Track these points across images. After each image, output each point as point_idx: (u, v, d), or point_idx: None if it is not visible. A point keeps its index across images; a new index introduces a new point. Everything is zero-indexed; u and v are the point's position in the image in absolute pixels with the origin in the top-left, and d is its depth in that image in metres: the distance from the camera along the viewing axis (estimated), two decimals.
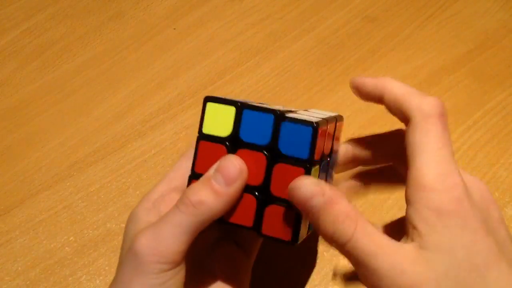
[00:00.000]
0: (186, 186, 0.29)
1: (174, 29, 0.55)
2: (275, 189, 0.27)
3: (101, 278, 0.40)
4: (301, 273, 0.39)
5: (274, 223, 0.27)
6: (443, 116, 0.26)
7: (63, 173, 0.46)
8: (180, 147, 0.46)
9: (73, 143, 0.47)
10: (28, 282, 0.40)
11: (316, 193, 0.25)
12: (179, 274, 0.27)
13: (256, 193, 0.27)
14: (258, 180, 0.27)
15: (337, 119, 0.31)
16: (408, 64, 0.51)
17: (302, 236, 0.27)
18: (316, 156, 0.27)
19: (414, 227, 0.25)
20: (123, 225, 0.42)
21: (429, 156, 0.25)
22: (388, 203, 0.41)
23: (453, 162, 0.25)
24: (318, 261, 0.39)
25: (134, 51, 0.54)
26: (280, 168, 0.27)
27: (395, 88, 0.28)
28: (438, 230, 0.24)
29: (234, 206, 0.28)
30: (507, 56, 0.51)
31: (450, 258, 0.23)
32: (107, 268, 0.40)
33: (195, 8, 0.57)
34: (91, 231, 0.42)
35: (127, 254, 0.27)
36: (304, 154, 0.26)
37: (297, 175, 0.26)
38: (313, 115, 0.29)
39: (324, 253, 0.39)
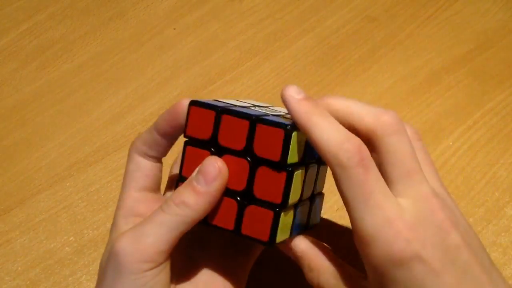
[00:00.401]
0: (167, 189, 0.30)
1: (174, 29, 0.55)
2: (258, 191, 0.27)
3: None
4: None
5: (253, 224, 0.28)
6: (362, 160, 0.25)
7: (63, 173, 0.46)
8: (180, 147, 0.46)
9: (73, 143, 0.47)
10: (28, 282, 0.40)
11: (290, 249, 0.29)
12: (162, 274, 0.27)
13: (238, 198, 0.28)
14: (241, 185, 0.28)
15: None
16: (408, 64, 0.51)
17: (280, 239, 0.28)
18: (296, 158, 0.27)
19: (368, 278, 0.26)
20: None
21: (361, 210, 0.25)
22: None
23: (390, 208, 0.25)
24: None
25: (134, 51, 0.54)
26: (262, 171, 0.27)
27: (315, 132, 0.26)
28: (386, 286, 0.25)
29: (216, 209, 0.28)
30: (507, 56, 0.51)
31: None
32: None
33: (195, 8, 0.57)
34: (91, 231, 0.42)
35: (108, 260, 0.27)
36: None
37: (279, 177, 0.26)
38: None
39: None
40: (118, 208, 0.31)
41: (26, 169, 0.46)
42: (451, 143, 0.45)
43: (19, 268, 0.40)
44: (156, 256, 0.26)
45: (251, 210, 0.28)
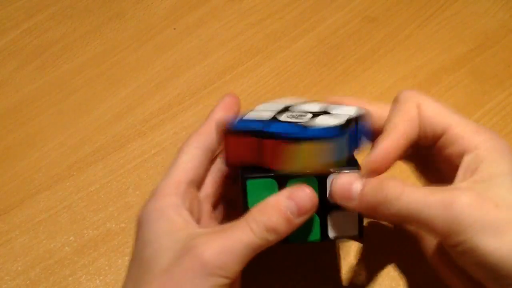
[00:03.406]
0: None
1: (174, 29, 0.55)
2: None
3: (101, 278, 0.40)
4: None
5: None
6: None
7: (63, 173, 0.46)
8: (180, 147, 0.46)
9: (73, 143, 0.47)
10: (28, 282, 0.40)
11: (349, 185, 0.28)
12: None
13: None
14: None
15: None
16: (408, 64, 0.51)
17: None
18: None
19: (473, 170, 0.27)
20: (123, 225, 0.42)
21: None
22: None
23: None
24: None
25: (134, 51, 0.54)
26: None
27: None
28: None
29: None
30: (507, 56, 0.51)
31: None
32: (107, 268, 0.40)
33: (195, 8, 0.57)
34: (91, 231, 0.42)
35: (185, 256, 0.26)
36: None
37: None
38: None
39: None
40: (158, 194, 0.31)
41: (26, 169, 0.46)
42: None
43: (19, 268, 0.40)
44: (236, 274, 0.27)
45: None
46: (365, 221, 0.33)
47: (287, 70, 0.51)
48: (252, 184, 0.29)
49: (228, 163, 0.30)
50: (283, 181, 0.29)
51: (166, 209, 0.29)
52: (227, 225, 0.28)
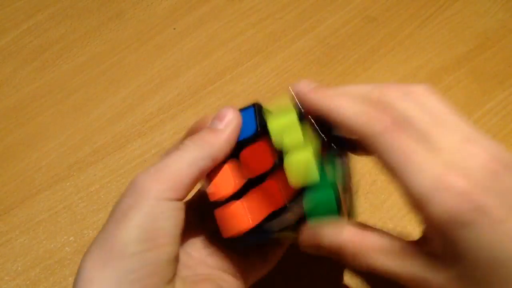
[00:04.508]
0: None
1: (174, 29, 0.55)
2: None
3: None
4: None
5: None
6: (395, 124, 0.25)
7: (63, 173, 0.46)
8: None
9: (73, 143, 0.47)
10: (28, 282, 0.40)
11: (323, 245, 0.27)
12: (181, 212, 0.26)
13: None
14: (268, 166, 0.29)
15: None
16: (408, 64, 0.51)
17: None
18: None
19: (428, 239, 0.24)
20: None
21: (407, 173, 0.24)
22: (388, 203, 0.41)
23: (435, 161, 0.23)
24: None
25: (134, 51, 0.54)
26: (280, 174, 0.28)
27: (339, 112, 0.27)
28: (453, 243, 0.23)
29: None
30: (507, 56, 0.51)
31: (467, 263, 0.22)
32: None
33: (195, 8, 0.57)
34: (91, 231, 0.42)
35: (126, 190, 0.26)
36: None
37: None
38: None
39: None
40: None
41: (26, 169, 0.46)
42: None
43: (19, 268, 0.40)
44: (177, 185, 0.26)
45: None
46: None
47: (287, 70, 0.51)
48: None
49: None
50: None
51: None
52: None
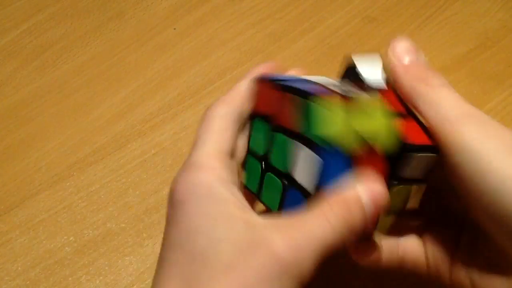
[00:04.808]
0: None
1: (174, 29, 0.55)
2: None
3: (101, 278, 0.40)
4: None
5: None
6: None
7: (63, 173, 0.46)
8: (180, 147, 0.46)
9: (73, 143, 0.47)
10: (28, 282, 0.40)
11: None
12: None
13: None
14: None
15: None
16: None
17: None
18: None
19: None
20: (123, 225, 0.42)
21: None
22: None
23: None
24: None
25: (134, 51, 0.54)
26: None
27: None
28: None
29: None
30: (507, 56, 0.51)
31: None
32: (107, 268, 0.40)
33: (195, 8, 0.57)
34: (91, 231, 0.42)
35: (254, 251, 0.22)
36: None
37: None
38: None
39: None
40: (196, 165, 0.25)
41: (26, 169, 0.46)
42: None
43: (19, 268, 0.40)
44: (308, 276, 0.23)
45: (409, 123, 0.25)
46: None
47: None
48: (257, 125, 0.28)
49: (252, 112, 0.28)
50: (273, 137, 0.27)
51: (214, 185, 0.24)
52: (298, 215, 0.24)
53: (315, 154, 0.24)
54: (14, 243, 0.42)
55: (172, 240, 0.24)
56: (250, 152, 0.30)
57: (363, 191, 0.24)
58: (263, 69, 0.30)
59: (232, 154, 0.27)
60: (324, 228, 0.23)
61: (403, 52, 0.27)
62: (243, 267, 0.22)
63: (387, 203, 0.24)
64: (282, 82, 0.27)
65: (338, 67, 0.53)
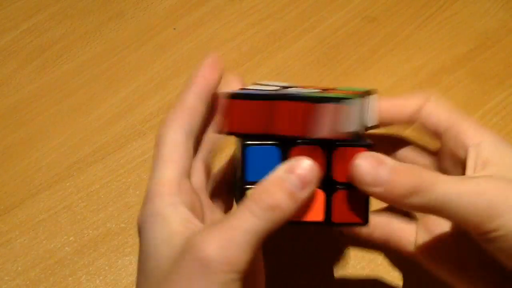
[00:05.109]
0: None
1: (174, 29, 0.55)
2: (338, 175, 0.27)
3: (101, 278, 0.40)
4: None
5: (343, 209, 0.27)
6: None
7: (63, 173, 0.46)
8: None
9: (73, 143, 0.47)
10: (28, 282, 0.40)
11: (376, 166, 0.25)
12: (242, 283, 0.24)
13: (323, 186, 0.27)
14: (320, 173, 0.26)
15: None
16: (408, 64, 0.51)
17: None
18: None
19: (485, 161, 0.27)
20: (123, 225, 0.42)
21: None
22: None
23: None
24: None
25: (134, 51, 0.54)
26: (340, 153, 0.27)
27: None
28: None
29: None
30: (507, 56, 0.51)
31: None
32: (107, 268, 0.40)
33: (195, 8, 0.57)
34: (91, 231, 0.42)
35: (184, 259, 0.24)
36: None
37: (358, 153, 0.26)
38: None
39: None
40: (153, 193, 0.27)
41: (26, 169, 0.46)
42: None
43: (19, 268, 0.40)
44: (246, 265, 0.24)
45: (339, 197, 0.27)
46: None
47: (287, 70, 0.51)
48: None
49: (228, 131, 0.27)
50: (286, 150, 0.27)
51: (162, 211, 0.26)
52: (225, 216, 0.26)
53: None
54: (14, 243, 0.42)
55: (138, 266, 0.27)
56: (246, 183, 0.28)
57: (282, 170, 0.25)
58: (207, 72, 0.31)
59: (187, 171, 0.28)
60: (248, 218, 0.24)
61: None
62: (176, 278, 0.24)
63: (316, 170, 0.26)
64: (263, 93, 0.27)
65: (338, 67, 0.53)
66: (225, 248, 0.23)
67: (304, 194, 0.25)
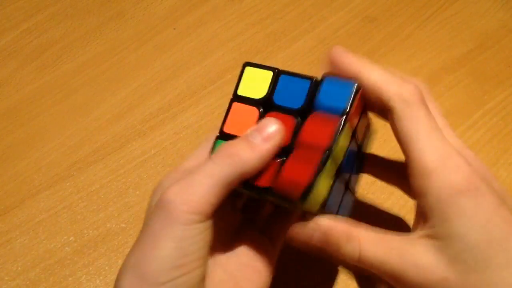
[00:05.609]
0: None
1: (174, 29, 0.55)
2: (306, 136, 0.27)
3: (101, 278, 0.40)
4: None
5: (291, 173, 0.26)
6: (423, 101, 0.27)
7: (63, 173, 0.46)
8: (180, 147, 0.46)
9: (73, 143, 0.47)
10: (28, 282, 0.40)
11: (312, 230, 0.27)
12: (208, 231, 0.26)
13: (282, 155, 0.27)
14: (285, 142, 0.27)
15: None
16: (408, 64, 0.51)
17: (317, 200, 0.26)
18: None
19: (425, 219, 0.26)
20: (123, 225, 0.42)
21: (424, 143, 0.26)
22: (388, 203, 0.41)
23: (448, 143, 0.26)
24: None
25: (134, 51, 0.54)
26: (312, 120, 0.27)
27: (372, 74, 0.28)
28: (450, 218, 0.25)
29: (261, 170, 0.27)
30: (507, 56, 0.51)
31: (463, 243, 0.24)
32: (107, 268, 0.40)
33: (195, 8, 0.57)
34: (91, 231, 0.42)
35: (156, 208, 0.26)
36: (342, 104, 0.27)
37: (331, 122, 0.26)
38: None
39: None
40: (171, 172, 0.30)
41: (26, 169, 0.46)
42: None
43: (19, 268, 0.40)
44: (205, 207, 0.25)
45: (295, 155, 0.27)
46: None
47: None
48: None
49: (222, 129, 0.29)
50: (277, 78, 0.30)
51: (166, 182, 0.29)
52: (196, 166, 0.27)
53: None
54: (14, 243, 0.42)
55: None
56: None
57: (249, 130, 0.27)
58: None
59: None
60: (208, 165, 0.26)
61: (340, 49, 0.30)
62: (150, 224, 0.26)
63: (279, 128, 0.27)
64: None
65: None
66: (184, 190, 0.25)
67: (264, 146, 0.27)
